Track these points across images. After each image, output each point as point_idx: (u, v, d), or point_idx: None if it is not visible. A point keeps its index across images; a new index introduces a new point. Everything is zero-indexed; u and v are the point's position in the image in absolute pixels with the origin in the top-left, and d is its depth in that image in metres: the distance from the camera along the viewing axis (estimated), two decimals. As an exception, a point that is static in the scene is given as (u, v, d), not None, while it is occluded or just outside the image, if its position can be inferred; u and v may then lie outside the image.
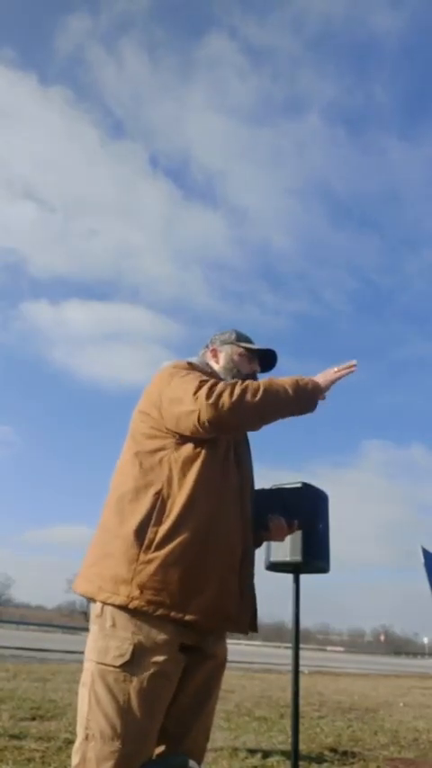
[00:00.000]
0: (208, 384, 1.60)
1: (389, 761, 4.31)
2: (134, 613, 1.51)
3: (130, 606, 1.51)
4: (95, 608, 1.58)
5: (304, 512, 1.98)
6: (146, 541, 1.55)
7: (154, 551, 1.53)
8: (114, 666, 1.48)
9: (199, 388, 1.59)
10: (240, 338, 1.98)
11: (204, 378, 1.66)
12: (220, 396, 1.56)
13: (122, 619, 1.52)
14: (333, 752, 4.45)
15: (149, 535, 1.55)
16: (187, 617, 1.50)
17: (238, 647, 34.58)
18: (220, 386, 1.60)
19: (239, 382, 1.63)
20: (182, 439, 1.66)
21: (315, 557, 3.03)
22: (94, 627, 1.57)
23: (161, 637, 1.50)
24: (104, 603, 1.55)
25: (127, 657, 1.48)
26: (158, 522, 1.56)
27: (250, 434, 1.95)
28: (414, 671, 25.50)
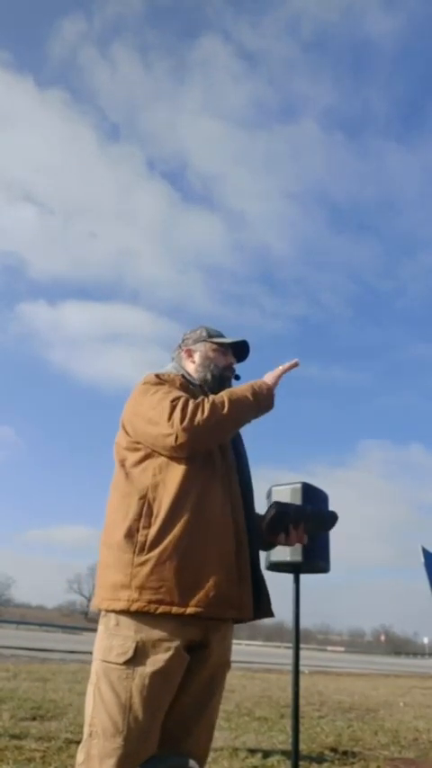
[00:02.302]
0: (180, 405, 1.66)
1: (389, 761, 4.31)
2: (136, 615, 1.55)
3: (132, 609, 1.55)
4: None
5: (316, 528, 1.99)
6: (137, 545, 1.60)
7: (147, 553, 1.58)
8: (117, 664, 1.52)
9: (172, 409, 1.65)
10: (211, 334, 2.03)
11: (174, 395, 1.71)
12: (193, 417, 1.63)
13: (126, 618, 1.57)
14: (333, 752, 4.45)
15: (140, 538, 1.60)
16: (189, 610, 1.53)
17: (238, 647, 34.57)
18: (191, 406, 1.66)
19: (205, 399, 1.70)
20: None
21: (315, 557, 3.03)
22: (100, 627, 1.63)
23: (164, 634, 1.54)
24: (107, 611, 1.61)
25: (130, 655, 1.52)
26: (147, 525, 1.62)
27: (244, 433, 1.97)
28: (414, 671, 25.49)
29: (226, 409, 1.68)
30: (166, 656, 1.52)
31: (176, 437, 1.62)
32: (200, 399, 1.70)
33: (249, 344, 2.02)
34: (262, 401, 1.77)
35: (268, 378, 1.83)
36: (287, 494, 2.95)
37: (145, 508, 1.64)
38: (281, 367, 1.86)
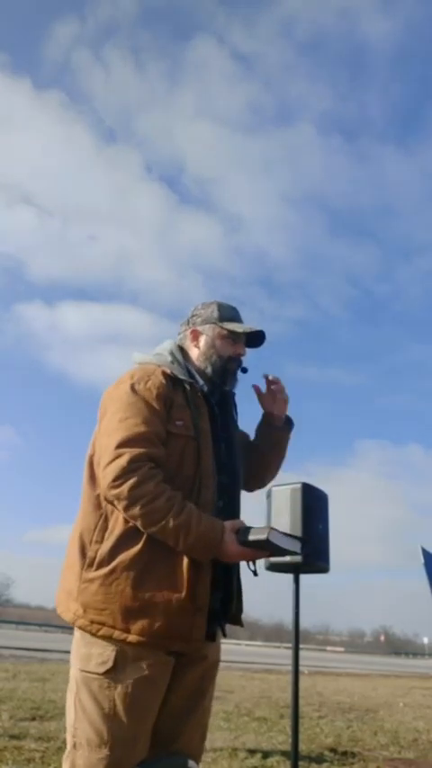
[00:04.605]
0: (120, 465, 1.47)
1: (389, 761, 4.31)
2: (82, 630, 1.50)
3: (76, 624, 1.50)
4: None
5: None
6: (87, 559, 1.52)
7: (95, 570, 1.49)
8: (98, 674, 1.45)
9: (114, 458, 1.49)
10: (224, 315, 1.80)
11: (125, 436, 1.51)
12: (119, 496, 1.46)
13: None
14: (333, 752, 4.45)
15: (90, 554, 1.52)
16: (130, 638, 1.44)
17: (238, 648, 34.50)
18: (128, 485, 1.45)
19: (150, 498, 1.46)
20: None
21: (315, 557, 3.03)
22: (76, 633, 1.55)
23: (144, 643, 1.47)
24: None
25: (110, 664, 1.45)
26: (100, 540, 1.52)
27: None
28: (414, 671, 25.45)
29: (155, 527, 1.45)
30: (148, 662, 1.46)
31: (102, 491, 1.52)
32: (154, 487, 1.46)
33: (265, 333, 1.80)
34: (192, 552, 1.49)
35: (232, 547, 1.49)
36: (287, 494, 2.95)
37: (100, 522, 1.54)
38: (249, 559, 1.57)
